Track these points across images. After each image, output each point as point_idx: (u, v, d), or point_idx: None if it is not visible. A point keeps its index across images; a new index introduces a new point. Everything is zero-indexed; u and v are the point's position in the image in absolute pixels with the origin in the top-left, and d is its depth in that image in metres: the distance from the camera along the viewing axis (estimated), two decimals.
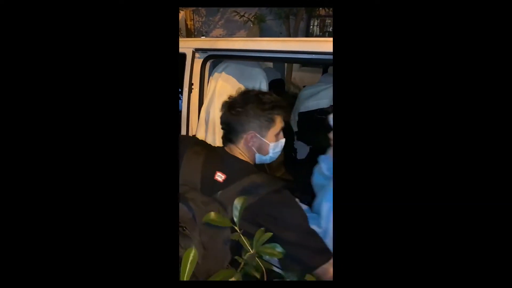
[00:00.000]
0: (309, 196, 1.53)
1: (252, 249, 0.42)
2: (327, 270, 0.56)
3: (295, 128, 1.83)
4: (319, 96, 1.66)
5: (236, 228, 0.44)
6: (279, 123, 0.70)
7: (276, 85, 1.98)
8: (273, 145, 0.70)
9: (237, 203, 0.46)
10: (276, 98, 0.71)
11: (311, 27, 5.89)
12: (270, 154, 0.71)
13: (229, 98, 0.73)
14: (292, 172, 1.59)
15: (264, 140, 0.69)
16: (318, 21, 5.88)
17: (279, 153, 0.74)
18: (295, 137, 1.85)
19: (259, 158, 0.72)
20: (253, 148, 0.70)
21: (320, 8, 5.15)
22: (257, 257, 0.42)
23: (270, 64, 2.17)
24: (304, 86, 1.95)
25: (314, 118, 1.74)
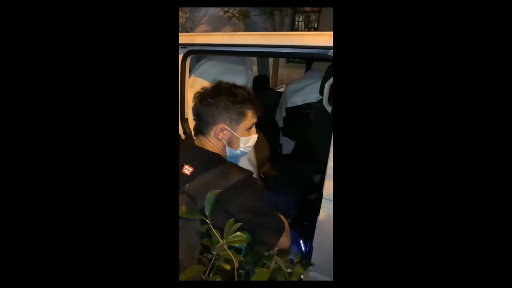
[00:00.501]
0: (297, 190, 1.55)
1: (222, 240, 0.42)
2: (283, 241, 0.61)
3: (280, 124, 1.83)
4: (305, 91, 1.66)
5: (206, 220, 0.43)
6: (250, 118, 0.70)
7: (260, 81, 1.97)
8: (244, 140, 0.70)
9: (209, 196, 0.45)
10: (249, 93, 0.71)
11: (296, 22, 5.91)
12: (241, 149, 0.71)
13: (201, 89, 0.72)
14: (278, 167, 1.60)
15: (235, 133, 0.68)
16: (303, 16, 5.91)
17: (250, 148, 0.73)
18: (281, 133, 1.86)
19: (229, 152, 0.72)
20: (223, 141, 0.70)
21: None
22: (227, 247, 0.42)
23: (254, 60, 2.16)
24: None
25: (299, 113, 1.74)
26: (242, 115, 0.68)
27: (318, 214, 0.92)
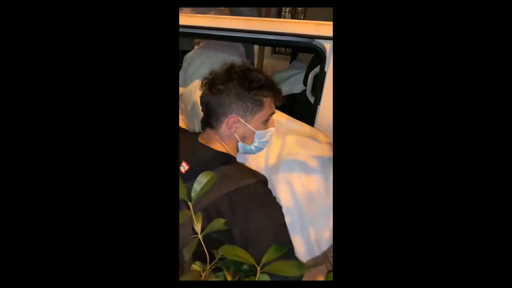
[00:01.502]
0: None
1: (200, 233, 0.36)
2: None
3: None
4: (291, 82, 1.66)
5: (189, 204, 0.37)
6: (268, 108, 0.60)
7: None
8: (259, 134, 0.60)
9: (203, 178, 0.38)
10: (266, 77, 0.60)
11: (283, 13, 5.86)
12: (256, 144, 0.61)
13: (211, 73, 0.61)
14: None
15: (249, 126, 0.58)
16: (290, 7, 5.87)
17: (267, 143, 0.63)
18: None
19: (243, 148, 0.61)
20: (236, 136, 0.59)
21: None
22: (203, 241, 0.36)
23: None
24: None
25: (284, 104, 1.75)
26: (259, 104, 0.58)
27: None
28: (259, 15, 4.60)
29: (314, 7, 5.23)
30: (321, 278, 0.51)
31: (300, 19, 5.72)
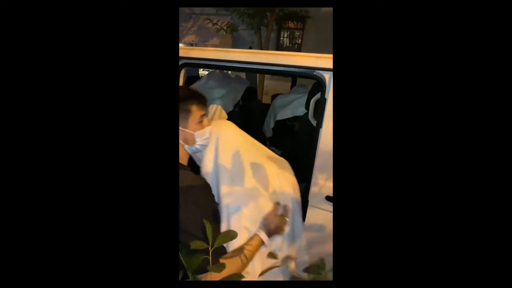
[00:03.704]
0: None
1: None
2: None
3: (268, 134, 1.91)
4: (294, 105, 1.78)
5: None
6: (196, 111, 0.72)
7: (248, 93, 2.06)
8: (198, 134, 0.72)
9: None
10: (187, 90, 0.75)
11: (281, 38, 6.19)
12: (198, 143, 0.73)
13: None
14: None
15: (187, 130, 0.71)
16: (288, 33, 6.21)
17: (208, 140, 0.74)
18: (268, 143, 1.93)
19: (190, 149, 0.74)
20: (180, 141, 0.72)
21: (290, 22, 5.46)
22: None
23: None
24: (276, 95, 2.05)
25: (286, 125, 1.84)
26: (187, 111, 0.71)
27: (304, 221, 0.98)
28: (259, 39, 4.87)
29: (311, 35, 5.53)
30: (232, 270, 0.56)
31: (298, 43, 6.02)
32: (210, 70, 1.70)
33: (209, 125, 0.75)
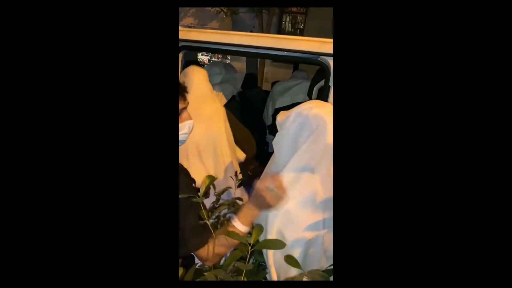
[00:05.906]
0: None
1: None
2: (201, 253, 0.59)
3: (268, 122, 1.88)
4: (293, 92, 1.72)
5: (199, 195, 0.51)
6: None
7: (248, 79, 2.00)
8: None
9: (205, 179, 0.52)
10: None
11: (284, 23, 5.98)
12: (179, 138, 0.71)
13: None
14: (265, 165, 1.63)
15: None
16: (290, 17, 5.99)
17: (188, 134, 0.72)
18: (267, 131, 1.90)
19: None
20: None
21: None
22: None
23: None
24: (276, 82, 2.00)
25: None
26: None
27: None
28: (260, 24, 4.71)
29: (314, 19, 5.34)
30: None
31: (300, 28, 5.84)
32: (209, 54, 1.63)
33: (189, 119, 0.71)
